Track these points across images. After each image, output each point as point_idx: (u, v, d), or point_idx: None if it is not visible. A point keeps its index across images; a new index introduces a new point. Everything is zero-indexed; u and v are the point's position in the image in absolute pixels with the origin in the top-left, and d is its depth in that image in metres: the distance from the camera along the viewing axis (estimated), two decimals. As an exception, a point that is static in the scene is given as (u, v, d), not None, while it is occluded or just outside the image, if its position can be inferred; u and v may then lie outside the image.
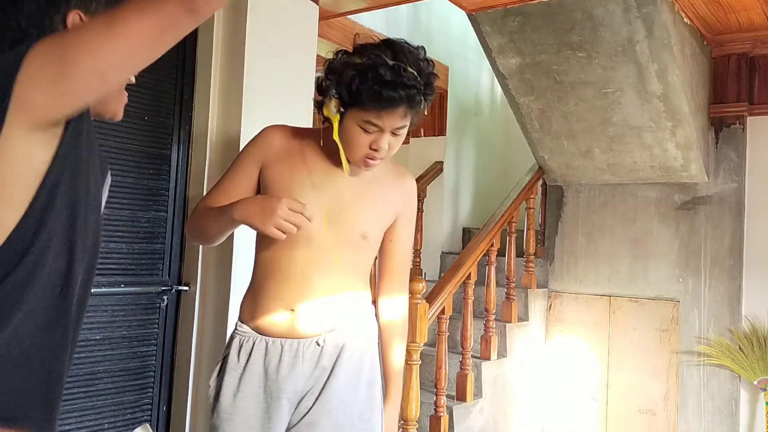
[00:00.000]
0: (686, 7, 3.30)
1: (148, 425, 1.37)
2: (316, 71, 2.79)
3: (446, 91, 4.79)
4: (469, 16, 3.40)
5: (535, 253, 4.23)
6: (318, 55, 3.19)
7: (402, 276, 1.66)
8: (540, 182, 4.32)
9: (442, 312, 3.13)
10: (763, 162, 3.75)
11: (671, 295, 3.87)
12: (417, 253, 4.48)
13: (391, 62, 1.36)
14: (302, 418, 1.48)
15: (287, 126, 1.60)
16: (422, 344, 2.83)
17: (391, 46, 1.40)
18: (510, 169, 5.17)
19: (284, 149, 1.53)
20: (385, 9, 3.84)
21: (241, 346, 1.51)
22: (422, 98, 1.39)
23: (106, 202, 2.39)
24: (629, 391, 3.94)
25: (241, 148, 2.39)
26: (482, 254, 3.58)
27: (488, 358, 3.60)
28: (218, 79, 2.51)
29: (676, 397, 3.80)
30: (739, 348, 3.62)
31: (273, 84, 2.52)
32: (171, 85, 2.49)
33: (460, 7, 3.31)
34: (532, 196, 4.17)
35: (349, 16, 3.63)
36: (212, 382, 1.56)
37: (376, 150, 1.42)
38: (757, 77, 3.80)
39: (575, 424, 4.09)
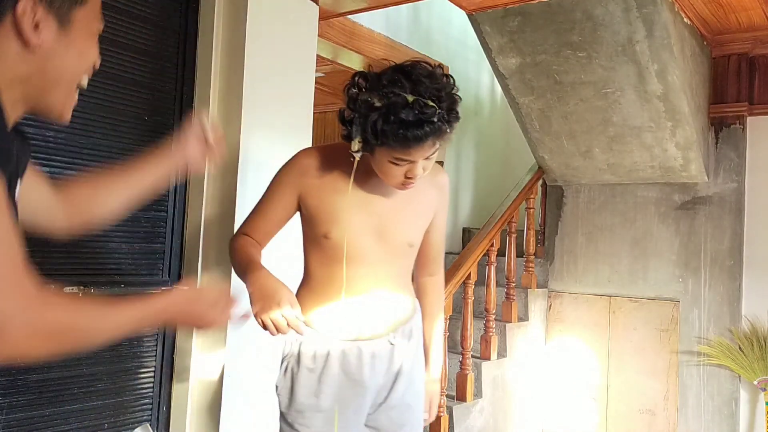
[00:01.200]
0: (686, 7, 3.30)
1: (148, 425, 1.37)
2: (316, 71, 2.79)
3: (446, 91, 4.78)
4: (469, 16, 3.40)
5: (535, 253, 4.23)
6: (318, 55, 3.19)
7: (440, 259, 1.84)
8: (540, 182, 4.32)
9: (442, 312, 3.13)
10: (763, 162, 3.75)
11: (671, 295, 3.87)
12: (417, 253, 4.48)
13: (410, 98, 1.36)
14: (381, 405, 1.67)
15: (319, 148, 1.64)
16: (422, 344, 2.83)
17: (408, 75, 1.39)
18: (510, 169, 5.17)
19: (320, 174, 1.57)
20: (385, 9, 3.84)
21: (314, 350, 1.60)
22: (447, 126, 1.41)
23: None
24: (629, 391, 3.94)
25: (240, 149, 2.41)
26: (482, 254, 3.58)
27: (488, 358, 3.60)
28: (218, 79, 2.51)
29: (676, 397, 3.80)
30: (739, 348, 3.62)
31: (273, 84, 2.52)
32: (171, 85, 2.49)
33: (460, 7, 3.31)
34: (532, 196, 4.17)
35: (349, 16, 3.63)
36: (279, 383, 1.64)
37: (410, 178, 1.48)
38: (757, 77, 3.80)
39: (575, 424, 4.09)
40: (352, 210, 1.56)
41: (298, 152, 1.63)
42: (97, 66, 0.98)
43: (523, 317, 4.04)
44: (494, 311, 3.67)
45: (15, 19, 0.86)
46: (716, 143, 3.82)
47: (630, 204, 4.03)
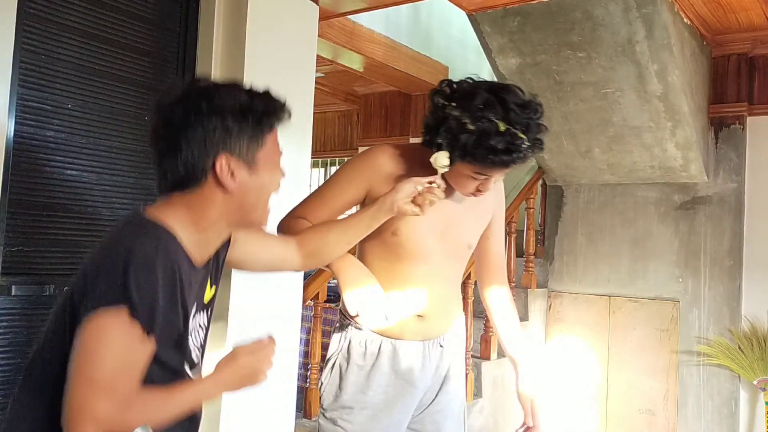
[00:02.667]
0: (686, 7, 3.30)
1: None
2: (316, 71, 2.79)
3: (446, 91, 4.78)
4: (469, 16, 3.41)
5: (535, 253, 4.23)
6: (318, 55, 3.19)
7: (504, 267, 1.84)
8: (540, 182, 4.32)
9: (442, 312, 3.13)
10: (762, 162, 3.75)
11: (671, 295, 3.87)
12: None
13: (503, 127, 1.41)
14: (427, 407, 1.68)
15: (393, 146, 1.66)
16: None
17: (502, 101, 1.43)
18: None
19: (393, 172, 1.58)
20: (385, 9, 3.84)
21: (365, 347, 1.62)
22: (532, 154, 1.47)
23: (108, 200, 2.39)
24: (629, 391, 3.94)
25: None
26: (482, 254, 3.58)
27: (488, 358, 3.60)
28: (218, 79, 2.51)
29: (676, 397, 3.80)
30: (739, 348, 3.62)
31: (273, 84, 2.51)
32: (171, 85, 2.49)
33: (460, 7, 3.31)
34: (531, 196, 4.17)
35: (349, 16, 3.63)
36: (324, 379, 1.66)
37: (482, 190, 1.54)
38: (756, 77, 3.80)
39: (575, 423, 4.09)
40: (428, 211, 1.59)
41: (375, 148, 1.65)
42: (284, 177, 1.21)
43: (523, 317, 4.04)
44: (494, 311, 3.66)
45: (215, 175, 1.10)
46: (716, 143, 3.82)
47: (630, 204, 4.04)
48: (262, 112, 1.17)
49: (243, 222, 1.18)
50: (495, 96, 1.43)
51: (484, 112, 1.42)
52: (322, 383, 1.66)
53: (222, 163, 1.09)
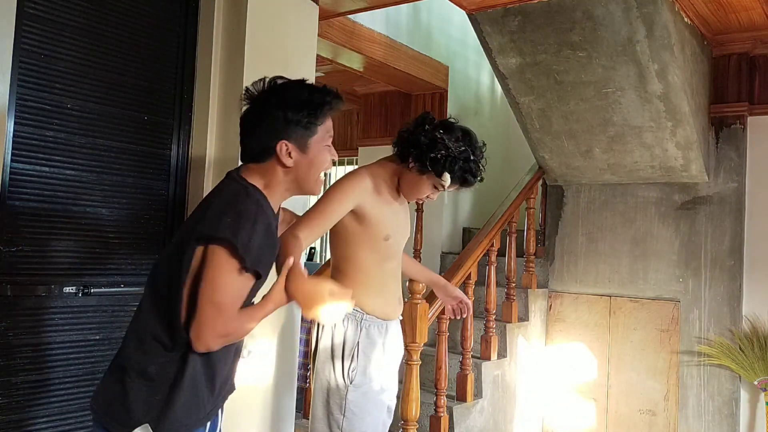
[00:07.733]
0: (686, 6, 3.30)
1: (148, 425, 1.38)
2: (316, 71, 2.79)
3: (446, 91, 4.79)
4: (469, 15, 3.40)
5: (536, 253, 4.22)
6: (318, 55, 3.19)
7: None
8: (540, 182, 4.32)
9: (443, 312, 3.13)
10: (763, 162, 3.75)
11: (671, 295, 3.86)
12: (417, 253, 4.48)
13: (472, 157, 2.03)
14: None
15: (371, 169, 2.12)
16: (422, 344, 2.83)
17: (468, 136, 2.08)
18: (510, 169, 5.17)
19: (374, 189, 2.07)
20: (385, 9, 3.84)
21: (377, 327, 2.10)
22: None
23: (106, 202, 2.39)
24: (629, 391, 3.94)
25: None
26: (482, 254, 3.58)
27: (488, 359, 3.60)
28: (218, 79, 2.51)
29: (677, 398, 3.80)
30: (740, 348, 3.61)
31: (273, 84, 2.51)
32: (171, 85, 2.49)
33: (460, 6, 3.31)
34: (532, 196, 4.17)
35: (349, 16, 3.63)
36: (352, 363, 2.06)
37: (431, 197, 2.14)
38: (757, 77, 3.79)
39: (575, 424, 4.09)
40: (397, 217, 2.14)
41: (359, 171, 2.08)
42: (336, 159, 1.58)
43: (524, 317, 4.03)
44: (494, 311, 3.66)
45: (277, 155, 1.50)
46: (716, 143, 3.82)
47: (630, 204, 4.03)
48: (317, 105, 1.50)
49: (297, 191, 1.56)
50: (464, 132, 2.05)
51: (462, 141, 2.02)
52: (352, 370, 2.03)
53: (281, 146, 1.48)
